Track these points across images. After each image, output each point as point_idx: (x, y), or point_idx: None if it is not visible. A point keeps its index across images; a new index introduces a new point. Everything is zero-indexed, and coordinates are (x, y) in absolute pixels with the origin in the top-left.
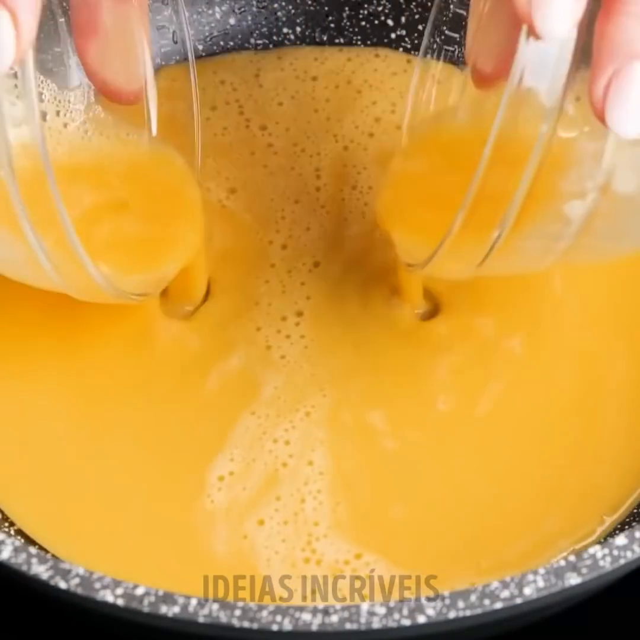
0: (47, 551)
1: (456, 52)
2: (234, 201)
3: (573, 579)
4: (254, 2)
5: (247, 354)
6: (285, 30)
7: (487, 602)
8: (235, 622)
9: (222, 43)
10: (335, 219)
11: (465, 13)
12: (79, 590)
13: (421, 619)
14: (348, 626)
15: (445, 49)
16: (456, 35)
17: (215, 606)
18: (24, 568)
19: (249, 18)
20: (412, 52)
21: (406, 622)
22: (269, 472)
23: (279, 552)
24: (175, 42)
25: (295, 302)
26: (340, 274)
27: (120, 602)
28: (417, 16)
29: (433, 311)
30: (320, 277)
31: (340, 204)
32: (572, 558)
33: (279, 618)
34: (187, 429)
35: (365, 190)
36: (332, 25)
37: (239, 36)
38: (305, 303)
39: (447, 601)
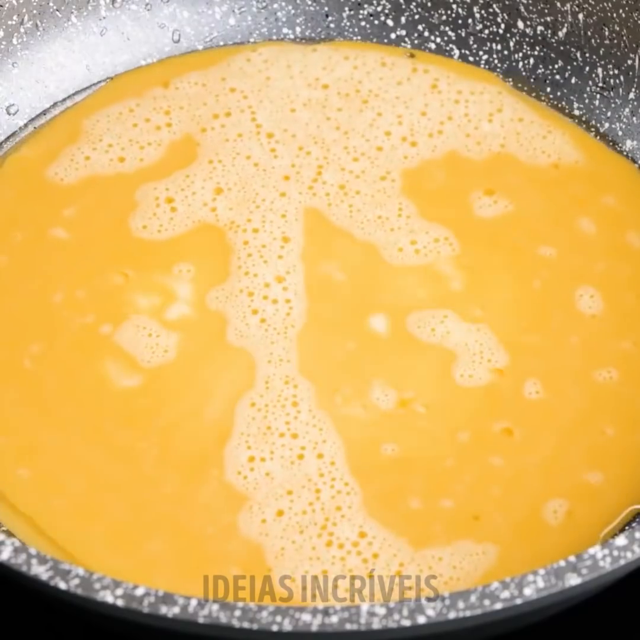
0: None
1: None
2: (220, 202)
3: (573, 579)
4: (254, 2)
5: (239, 321)
6: (285, 30)
7: (487, 602)
8: (235, 623)
9: (222, 43)
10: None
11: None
12: (79, 591)
13: (421, 620)
14: (348, 627)
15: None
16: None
17: (215, 606)
18: (24, 568)
19: (249, 18)
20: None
21: (406, 623)
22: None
23: (295, 542)
24: (175, 41)
25: (277, 270)
26: (317, 250)
27: (120, 602)
28: (417, 16)
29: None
30: (294, 252)
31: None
32: (572, 558)
33: (279, 618)
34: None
35: (355, 209)
36: (332, 25)
37: (239, 36)
38: (286, 272)
39: (447, 601)
